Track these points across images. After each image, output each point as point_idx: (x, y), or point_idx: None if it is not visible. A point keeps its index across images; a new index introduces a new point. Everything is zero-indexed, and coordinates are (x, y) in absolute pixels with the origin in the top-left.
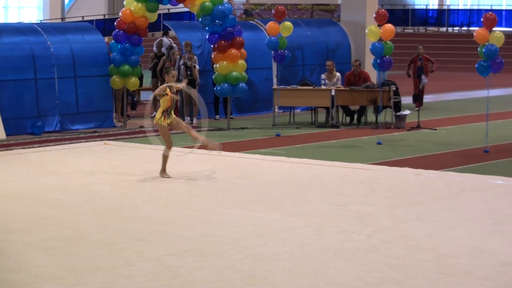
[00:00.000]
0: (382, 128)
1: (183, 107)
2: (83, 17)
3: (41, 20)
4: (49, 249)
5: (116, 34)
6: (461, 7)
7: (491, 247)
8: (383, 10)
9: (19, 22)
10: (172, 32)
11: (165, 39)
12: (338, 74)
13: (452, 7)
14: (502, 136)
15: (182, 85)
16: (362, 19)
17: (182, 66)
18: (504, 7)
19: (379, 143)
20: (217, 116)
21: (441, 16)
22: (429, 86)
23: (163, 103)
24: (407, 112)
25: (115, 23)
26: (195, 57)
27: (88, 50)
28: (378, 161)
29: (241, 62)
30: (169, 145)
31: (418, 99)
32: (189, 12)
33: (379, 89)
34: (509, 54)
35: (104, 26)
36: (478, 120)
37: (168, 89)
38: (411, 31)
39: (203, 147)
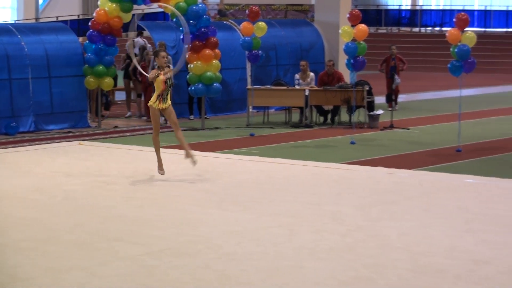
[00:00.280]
0: (356, 127)
1: None
2: (57, 17)
3: (15, 21)
4: (24, 249)
5: (91, 34)
6: (433, 7)
7: (463, 246)
8: (356, 10)
9: None
10: (146, 33)
11: (139, 39)
12: (312, 74)
13: (424, 8)
14: (474, 135)
15: (174, 69)
16: (336, 20)
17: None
18: (476, 8)
19: (352, 143)
20: (192, 116)
21: (414, 16)
22: (402, 86)
23: (157, 86)
24: (380, 112)
25: (89, 24)
26: (169, 57)
27: (62, 50)
28: (351, 160)
29: (215, 62)
30: (156, 131)
31: (391, 99)
32: (163, 13)
33: (352, 89)
34: (481, 54)
35: (79, 26)
36: (450, 120)
37: (159, 71)
38: (384, 31)
39: (179, 146)
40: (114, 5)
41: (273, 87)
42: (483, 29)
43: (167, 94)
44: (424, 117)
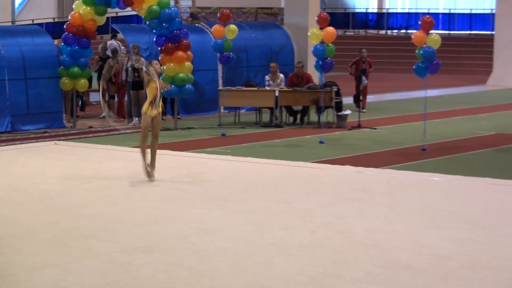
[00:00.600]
0: (324, 127)
1: (131, 108)
2: (33, 20)
3: None
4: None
5: (66, 37)
6: (399, 10)
7: (429, 242)
8: (324, 13)
9: None
10: (120, 35)
11: (113, 41)
12: (281, 75)
13: (391, 11)
14: (439, 134)
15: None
16: (305, 22)
17: (130, 68)
18: (440, 11)
19: (321, 142)
20: (164, 117)
21: (381, 19)
22: (369, 87)
23: (150, 92)
24: (348, 112)
25: (64, 26)
26: (143, 59)
27: (38, 52)
28: (320, 159)
29: (188, 64)
30: (143, 138)
31: (358, 99)
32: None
33: (321, 90)
34: (445, 56)
35: (54, 29)
36: (416, 120)
37: (152, 78)
38: (352, 33)
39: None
40: (89, 8)
41: (244, 88)
42: (447, 32)
43: (159, 101)
44: (390, 117)
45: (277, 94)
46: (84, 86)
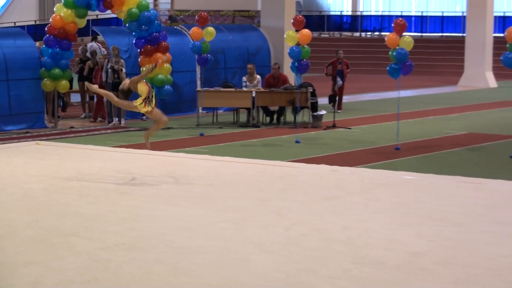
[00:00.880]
0: (300, 127)
1: (111, 108)
2: (15, 22)
3: None
4: None
5: (47, 39)
6: (373, 13)
7: (401, 239)
8: (300, 16)
9: None
10: (100, 37)
11: (93, 43)
12: (258, 76)
13: (365, 13)
14: (412, 134)
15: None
16: (281, 25)
17: (110, 70)
18: (413, 13)
19: (297, 142)
20: (144, 117)
21: (355, 21)
22: (344, 88)
23: (142, 90)
24: (323, 112)
25: (46, 29)
26: (122, 60)
27: (20, 54)
28: (296, 158)
29: (167, 65)
30: (164, 118)
31: (334, 99)
32: (116, 18)
33: (297, 91)
34: (418, 57)
35: (36, 31)
36: (389, 120)
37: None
38: (327, 36)
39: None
40: (69, 11)
41: (222, 89)
42: (419, 34)
43: (152, 97)
44: (364, 117)
45: (254, 94)
46: (65, 87)
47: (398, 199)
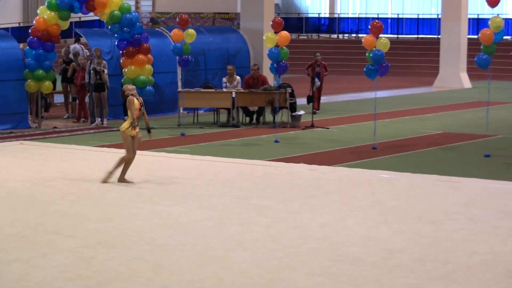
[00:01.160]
0: (279, 127)
1: (93, 109)
2: None
3: None
4: None
5: (31, 41)
6: (350, 15)
7: (378, 236)
8: (279, 18)
9: None
10: (83, 39)
11: (76, 45)
12: (238, 77)
13: (342, 16)
14: (388, 134)
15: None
16: (260, 27)
17: (92, 71)
18: (389, 16)
19: (276, 141)
20: (126, 117)
21: (332, 23)
22: (322, 89)
23: (131, 113)
24: (302, 112)
25: (29, 31)
26: (104, 62)
27: (4, 56)
28: (275, 157)
29: (148, 66)
30: (130, 154)
31: (312, 100)
32: (99, 20)
33: (276, 91)
34: (394, 58)
35: (19, 33)
36: (366, 120)
37: (135, 99)
38: (305, 37)
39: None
40: (53, 13)
41: (202, 90)
42: (396, 35)
43: (138, 122)
44: (342, 117)
45: (234, 95)
46: (48, 88)
47: (375, 198)
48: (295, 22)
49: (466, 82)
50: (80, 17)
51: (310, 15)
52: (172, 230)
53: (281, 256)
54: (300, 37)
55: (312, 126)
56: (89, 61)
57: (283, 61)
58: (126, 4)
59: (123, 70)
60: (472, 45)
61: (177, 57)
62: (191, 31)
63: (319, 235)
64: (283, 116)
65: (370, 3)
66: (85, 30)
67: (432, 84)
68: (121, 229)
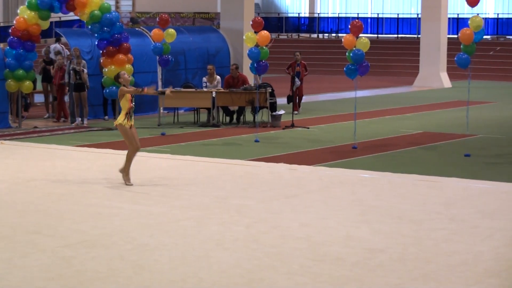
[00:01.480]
0: (259, 127)
1: (74, 109)
2: None
3: None
4: None
5: (11, 40)
6: (330, 15)
7: (359, 235)
8: (259, 18)
9: None
10: (64, 39)
11: (57, 45)
12: (218, 77)
13: (322, 15)
14: (369, 133)
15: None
16: (240, 26)
17: (72, 71)
18: (369, 15)
19: (256, 141)
20: (106, 117)
21: (312, 23)
22: (302, 89)
23: (124, 105)
24: (282, 112)
25: (10, 30)
26: (84, 61)
27: None
28: (255, 157)
29: (128, 66)
30: (133, 148)
31: (292, 99)
32: (79, 20)
33: (256, 91)
34: (374, 58)
35: (0, 33)
36: (347, 119)
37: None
38: (285, 37)
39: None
40: (33, 13)
41: (183, 90)
42: (376, 35)
43: (133, 111)
44: (322, 116)
45: (214, 95)
46: (28, 88)
47: (356, 197)
48: (275, 22)
49: (446, 81)
50: (60, 17)
51: (290, 15)
52: (152, 229)
53: (262, 255)
54: (280, 36)
55: (292, 125)
56: (68, 61)
57: (263, 61)
58: (106, 4)
59: (103, 69)
60: (452, 44)
61: (157, 57)
62: (171, 30)
63: (300, 235)
64: (263, 115)
65: (350, 2)
66: (65, 30)
67: (412, 83)
68: (102, 229)
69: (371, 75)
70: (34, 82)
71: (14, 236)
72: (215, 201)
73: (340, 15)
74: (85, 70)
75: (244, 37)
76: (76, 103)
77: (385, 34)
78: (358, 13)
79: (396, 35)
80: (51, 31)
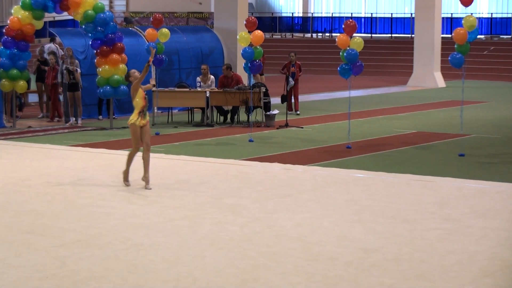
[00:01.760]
0: (253, 126)
1: (68, 108)
2: None
3: None
4: None
5: (5, 40)
6: (324, 14)
7: (353, 235)
8: (252, 17)
9: None
10: (58, 39)
11: (51, 45)
12: (212, 77)
13: (316, 15)
14: (363, 133)
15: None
16: (234, 26)
17: (65, 71)
18: (363, 15)
19: (250, 141)
20: (100, 117)
21: (306, 23)
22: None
23: (137, 103)
24: (276, 111)
25: (3, 30)
26: (77, 61)
27: None
28: (250, 157)
29: (122, 66)
30: (136, 149)
31: (286, 99)
32: (73, 20)
33: (250, 91)
34: (368, 57)
35: None
36: (341, 119)
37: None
38: (279, 37)
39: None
40: (27, 13)
41: (177, 89)
42: (369, 35)
43: (146, 110)
44: (316, 116)
45: (208, 94)
46: (23, 88)
47: (350, 197)
48: (268, 22)
49: (440, 81)
50: (54, 17)
51: (283, 15)
52: (147, 229)
53: (256, 255)
54: (274, 36)
55: (286, 125)
56: (62, 61)
57: (257, 61)
58: (99, 4)
59: (97, 69)
60: (446, 44)
61: None
62: (165, 30)
63: (294, 235)
64: (257, 115)
65: (343, 2)
66: (59, 30)
67: (406, 83)
68: (96, 229)
69: (365, 75)
70: (28, 82)
71: (8, 236)
72: (209, 200)
73: (334, 15)
74: (79, 70)
75: (237, 36)
76: (70, 102)
77: (379, 33)
78: (351, 13)
79: (390, 35)
80: (45, 31)
